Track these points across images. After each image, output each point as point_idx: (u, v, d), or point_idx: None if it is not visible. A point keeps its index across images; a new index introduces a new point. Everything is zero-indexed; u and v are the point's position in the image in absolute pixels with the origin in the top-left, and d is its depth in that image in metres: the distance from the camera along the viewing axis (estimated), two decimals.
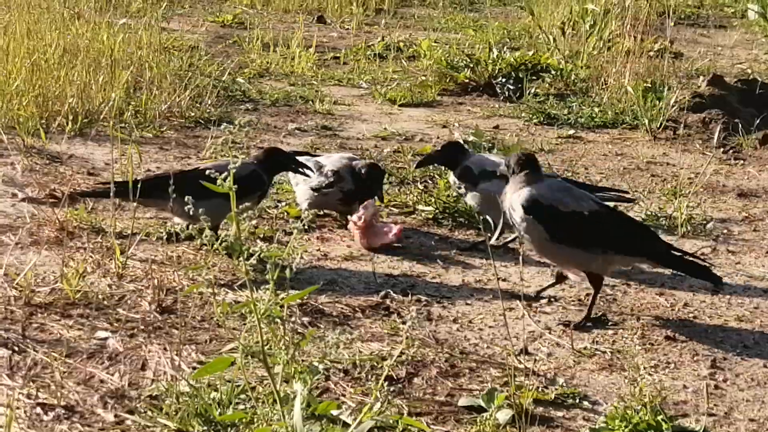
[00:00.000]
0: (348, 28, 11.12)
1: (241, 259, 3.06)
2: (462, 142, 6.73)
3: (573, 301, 4.63)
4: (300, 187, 5.45)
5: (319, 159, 5.49)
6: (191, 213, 3.10)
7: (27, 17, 7.93)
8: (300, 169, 5.18)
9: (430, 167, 6.07)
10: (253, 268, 3.08)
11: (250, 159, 5.01)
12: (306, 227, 3.14)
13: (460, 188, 5.28)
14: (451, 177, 5.35)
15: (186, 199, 3.18)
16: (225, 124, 7.00)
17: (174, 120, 7.09)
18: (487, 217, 5.13)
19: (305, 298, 4.29)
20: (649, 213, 5.70)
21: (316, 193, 5.36)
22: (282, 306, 3.09)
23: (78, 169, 5.95)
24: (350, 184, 5.36)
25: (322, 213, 5.47)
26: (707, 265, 4.48)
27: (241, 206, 3.48)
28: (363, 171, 5.36)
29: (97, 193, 5.06)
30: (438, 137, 7.24)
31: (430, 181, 6.15)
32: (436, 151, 5.55)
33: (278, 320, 3.15)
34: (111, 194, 4.68)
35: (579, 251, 4.33)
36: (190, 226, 4.70)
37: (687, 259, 4.44)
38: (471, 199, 5.25)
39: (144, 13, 9.68)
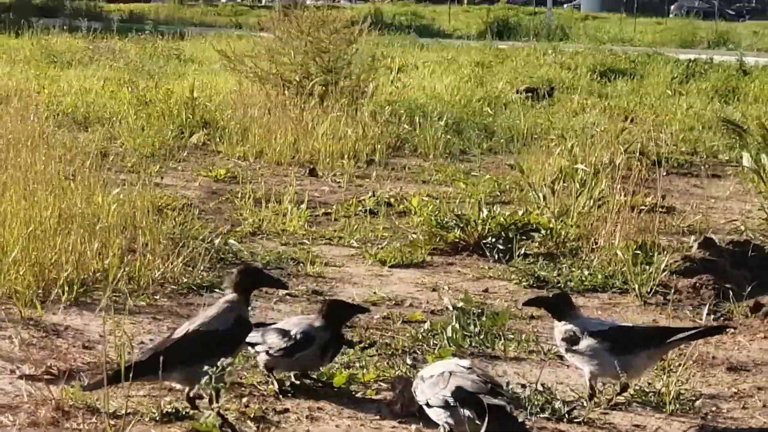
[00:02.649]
0: (339, 182, 11.27)
1: None
2: (451, 306, 6.86)
3: None
4: (262, 356, 5.53)
5: (280, 326, 5.62)
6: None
7: (23, 177, 8.05)
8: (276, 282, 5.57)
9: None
10: None
11: (226, 300, 5.10)
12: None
13: (566, 349, 5.48)
14: (556, 331, 5.54)
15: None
16: (217, 290, 7.13)
17: (167, 286, 7.15)
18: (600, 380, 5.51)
19: None
20: (637, 388, 5.72)
21: (289, 359, 5.44)
22: None
23: (73, 342, 6.00)
24: (325, 334, 5.46)
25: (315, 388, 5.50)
26: None
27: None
28: (324, 310, 5.53)
29: (98, 385, 4.99)
30: (428, 301, 7.30)
31: (419, 353, 6.20)
32: (547, 297, 5.79)
33: None
34: (105, 385, 4.76)
35: None
36: (191, 392, 4.89)
37: None
38: (578, 362, 5.46)
39: (139, 168, 9.84)
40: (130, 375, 4.71)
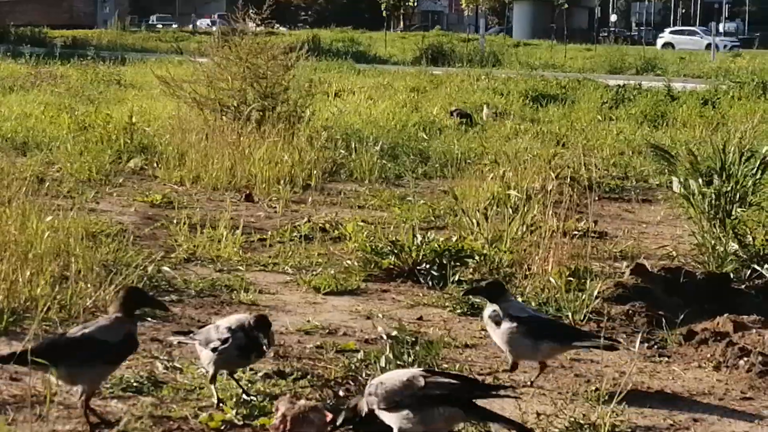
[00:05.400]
0: (275, 207, 11.23)
1: None
2: (385, 335, 6.88)
3: None
4: (204, 353, 5.71)
5: (219, 322, 5.86)
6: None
7: None
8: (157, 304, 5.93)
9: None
10: None
11: (116, 317, 5.37)
12: None
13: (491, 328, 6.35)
14: (486, 311, 6.40)
15: None
16: (149, 319, 7.07)
17: (98, 315, 7.04)
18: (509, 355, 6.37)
19: None
20: (571, 420, 5.69)
21: (217, 354, 5.63)
22: None
23: (1, 373, 5.92)
24: (241, 340, 5.64)
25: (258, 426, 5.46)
26: None
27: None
28: (251, 322, 5.70)
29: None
30: (362, 330, 7.26)
31: (352, 383, 6.17)
32: (482, 286, 6.71)
33: None
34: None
35: None
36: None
37: None
38: (497, 337, 6.32)
39: (75, 194, 9.73)
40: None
